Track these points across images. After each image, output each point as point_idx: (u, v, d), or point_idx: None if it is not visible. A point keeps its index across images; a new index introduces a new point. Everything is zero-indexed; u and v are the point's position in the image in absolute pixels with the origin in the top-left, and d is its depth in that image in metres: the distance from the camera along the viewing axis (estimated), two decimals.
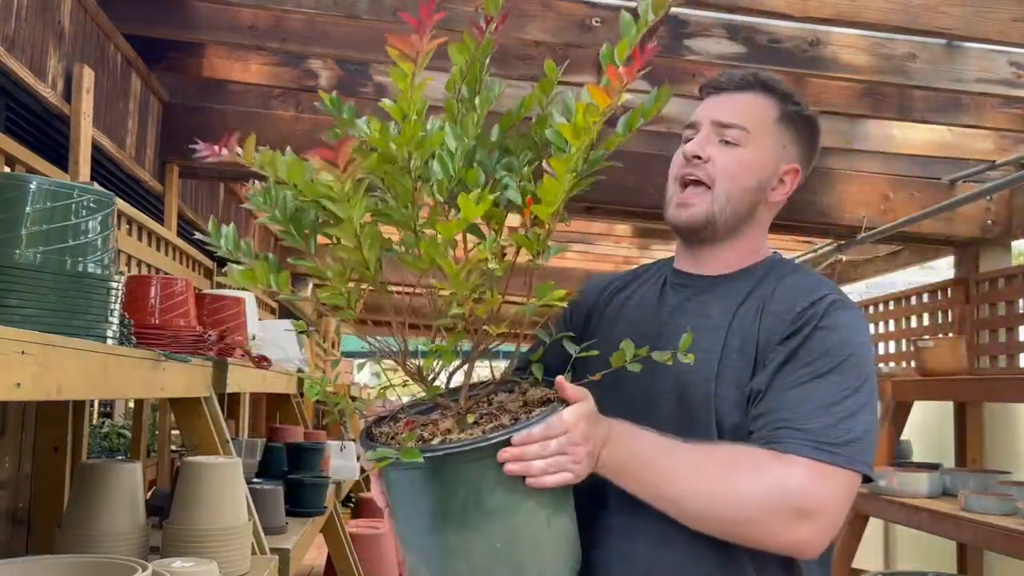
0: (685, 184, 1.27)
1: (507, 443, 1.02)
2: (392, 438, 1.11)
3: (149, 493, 2.72)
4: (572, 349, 1.18)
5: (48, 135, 2.41)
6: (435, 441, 1.05)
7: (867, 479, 1.14)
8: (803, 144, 1.31)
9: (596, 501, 1.22)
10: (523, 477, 1.03)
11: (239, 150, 1.01)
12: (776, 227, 4.55)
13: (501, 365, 1.20)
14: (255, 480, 2.77)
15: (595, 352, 1.17)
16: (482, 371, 1.17)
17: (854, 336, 1.18)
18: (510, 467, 1.01)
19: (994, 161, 3.59)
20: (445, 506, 1.03)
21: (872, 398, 1.16)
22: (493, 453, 1.02)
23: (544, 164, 1.03)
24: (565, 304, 1.05)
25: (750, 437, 1.14)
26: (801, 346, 1.15)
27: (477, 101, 1.08)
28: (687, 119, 1.33)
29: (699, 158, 1.26)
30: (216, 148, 1.02)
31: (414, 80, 0.96)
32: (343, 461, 3.78)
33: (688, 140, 1.30)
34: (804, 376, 1.14)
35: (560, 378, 1.10)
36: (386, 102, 0.99)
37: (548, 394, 1.15)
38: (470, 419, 1.11)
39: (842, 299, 1.21)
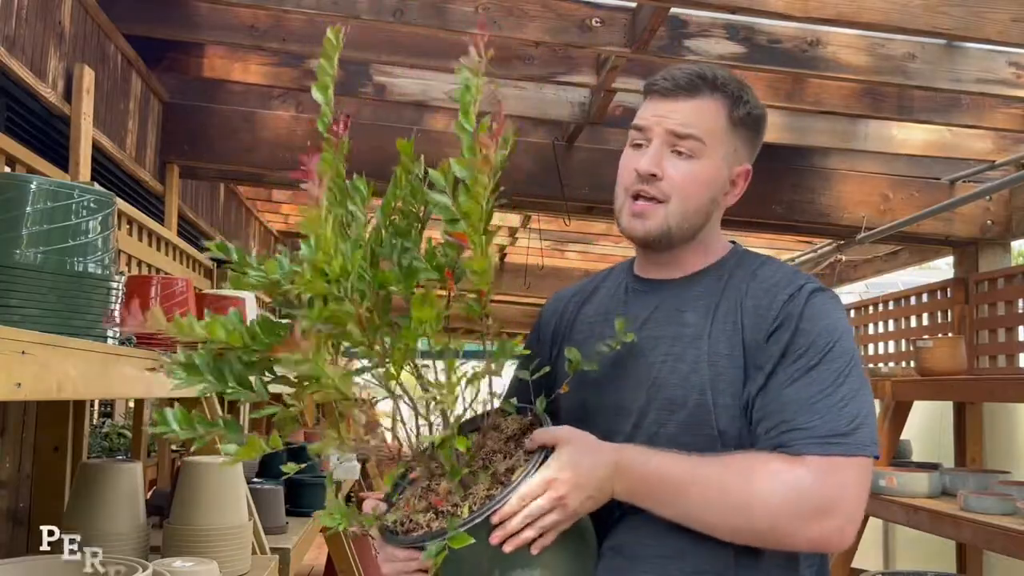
0: (637, 196, 1.24)
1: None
2: (407, 524, 1.11)
3: (149, 493, 2.72)
4: (523, 375, 1.20)
5: (48, 135, 2.41)
6: (465, 509, 1.06)
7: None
8: (752, 143, 1.29)
9: (598, 525, 1.22)
10: None
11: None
12: (776, 227, 4.56)
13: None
14: (255, 480, 2.77)
15: (546, 369, 1.21)
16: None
17: (836, 321, 1.18)
18: (506, 547, 1.05)
19: (994, 161, 3.59)
20: (496, 555, 1.07)
21: (862, 377, 1.16)
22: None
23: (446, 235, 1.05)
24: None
25: (756, 443, 1.14)
26: (789, 343, 1.15)
27: (352, 206, 1.06)
28: None
29: (654, 175, 1.21)
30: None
31: (325, 223, 0.95)
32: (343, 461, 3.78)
33: (637, 144, 1.24)
34: (797, 372, 1.14)
35: (537, 432, 1.12)
36: (306, 254, 0.96)
37: (524, 423, 1.18)
38: (464, 471, 1.11)
39: (818, 286, 1.21)
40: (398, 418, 1.11)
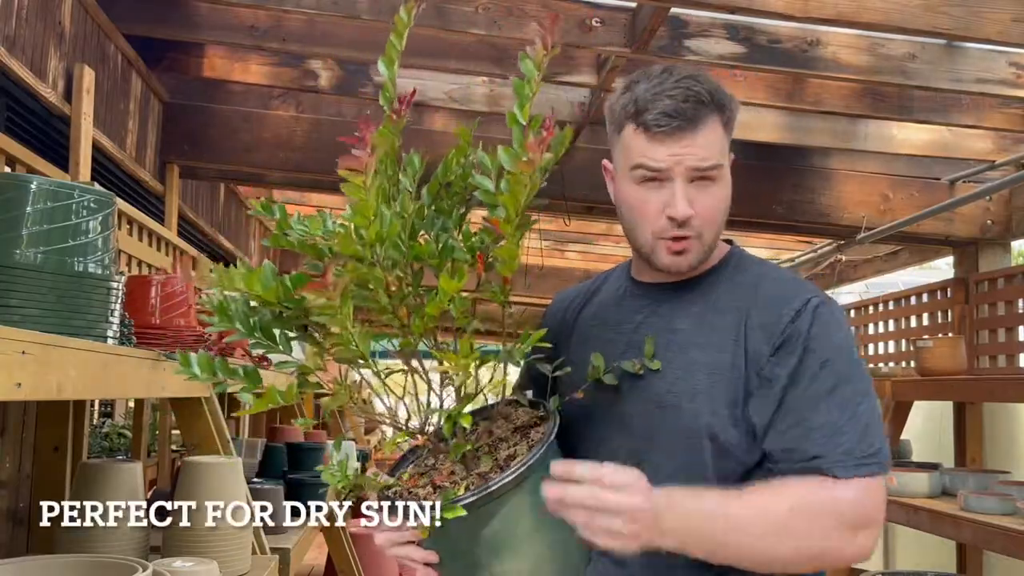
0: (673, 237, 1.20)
1: (538, 470, 1.05)
2: (406, 497, 1.11)
3: (149, 493, 2.72)
4: (545, 369, 1.18)
5: (48, 135, 2.41)
6: (462, 488, 1.06)
7: None
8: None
9: None
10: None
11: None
12: (776, 227, 4.55)
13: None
14: (255, 480, 2.77)
15: (568, 370, 1.19)
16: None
17: (844, 335, 1.19)
18: (550, 505, 1.03)
19: (993, 161, 3.59)
20: (495, 535, 1.07)
21: (871, 388, 1.18)
22: (517, 484, 1.05)
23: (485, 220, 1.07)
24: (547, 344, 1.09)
25: (775, 461, 1.14)
26: (801, 362, 1.14)
27: (403, 178, 1.10)
28: None
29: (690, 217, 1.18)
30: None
31: (369, 189, 0.98)
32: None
33: (650, 179, 1.18)
34: (818, 394, 1.13)
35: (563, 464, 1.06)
36: (346, 214, 1.01)
37: (534, 416, 1.17)
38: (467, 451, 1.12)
39: (822, 299, 1.20)
40: (410, 392, 1.12)
